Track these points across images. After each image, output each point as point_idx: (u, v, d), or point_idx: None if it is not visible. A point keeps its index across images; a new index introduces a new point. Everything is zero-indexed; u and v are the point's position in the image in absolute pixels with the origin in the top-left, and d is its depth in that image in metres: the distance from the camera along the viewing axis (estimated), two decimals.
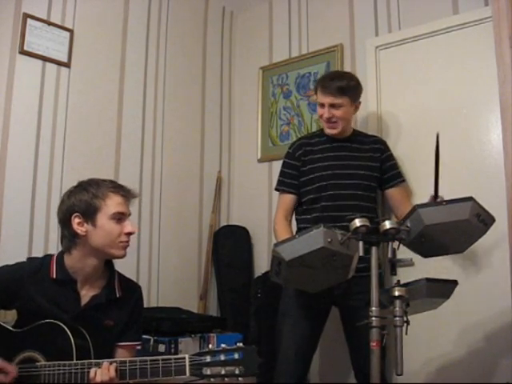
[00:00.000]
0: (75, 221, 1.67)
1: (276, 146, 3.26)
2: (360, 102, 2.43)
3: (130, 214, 1.75)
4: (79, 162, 2.67)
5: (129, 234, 1.71)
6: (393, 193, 2.45)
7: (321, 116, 2.37)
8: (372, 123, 2.80)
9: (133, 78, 2.98)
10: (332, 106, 2.31)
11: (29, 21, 2.52)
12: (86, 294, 1.70)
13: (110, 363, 1.49)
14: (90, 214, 1.67)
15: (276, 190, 2.48)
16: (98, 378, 1.46)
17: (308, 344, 2.27)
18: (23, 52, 2.50)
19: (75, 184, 1.76)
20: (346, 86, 2.33)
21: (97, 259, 1.71)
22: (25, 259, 1.78)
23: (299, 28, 3.27)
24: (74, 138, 2.67)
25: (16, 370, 1.53)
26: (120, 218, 1.69)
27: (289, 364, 2.24)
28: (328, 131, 2.38)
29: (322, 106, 2.34)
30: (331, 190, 2.31)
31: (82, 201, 1.68)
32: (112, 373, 1.47)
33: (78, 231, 1.67)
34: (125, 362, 1.50)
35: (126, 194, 1.74)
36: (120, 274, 1.82)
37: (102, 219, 1.67)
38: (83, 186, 1.72)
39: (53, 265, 1.70)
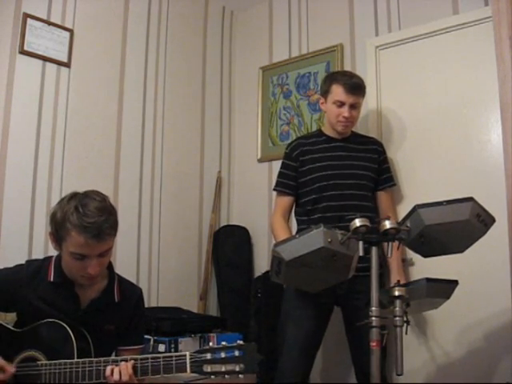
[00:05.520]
0: (51, 237, 1.63)
1: (276, 146, 3.26)
2: None
3: (107, 249, 1.59)
4: (79, 162, 2.67)
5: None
6: (382, 196, 2.45)
7: (337, 115, 2.32)
8: (372, 123, 2.79)
9: (133, 78, 2.98)
10: (352, 105, 2.31)
11: (29, 21, 2.52)
12: (86, 297, 1.68)
13: (127, 361, 1.48)
14: (58, 238, 1.59)
15: (274, 190, 2.49)
16: (116, 376, 1.45)
17: (311, 343, 2.27)
18: (23, 52, 2.50)
19: (73, 188, 1.67)
20: (364, 86, 2.37)
21: None
22: (24, 261, 1.76)
23: (299, 28, 3.27)
24: (74, 138, 2.67)
25: (14, 368, 1.52)
26: (80, 258, 1.56)
27: (293, 363, 2.24)
28: (343, 130, 2.37)
29: (341, 104, 2.31)
30: (333, 190, 2.31)
31: (53, 221, 1.59)
32: (130, 370, 1.46)
33: (53, 247, 1.65)
34: (126, 360, 1.50)
35: (92, 237, 1.52)
36: (120, 277, 1.79)
37: (65, 250, 1.59)
38: (64, 203, 1.59)
39: (51, 267, 1.68)
